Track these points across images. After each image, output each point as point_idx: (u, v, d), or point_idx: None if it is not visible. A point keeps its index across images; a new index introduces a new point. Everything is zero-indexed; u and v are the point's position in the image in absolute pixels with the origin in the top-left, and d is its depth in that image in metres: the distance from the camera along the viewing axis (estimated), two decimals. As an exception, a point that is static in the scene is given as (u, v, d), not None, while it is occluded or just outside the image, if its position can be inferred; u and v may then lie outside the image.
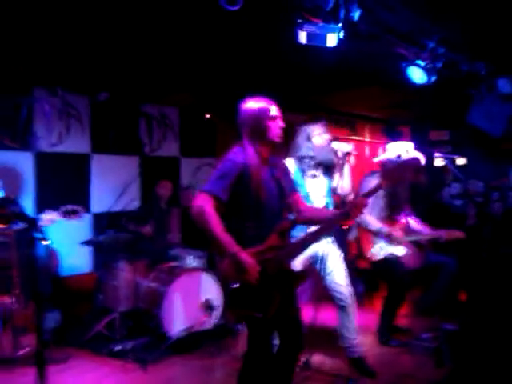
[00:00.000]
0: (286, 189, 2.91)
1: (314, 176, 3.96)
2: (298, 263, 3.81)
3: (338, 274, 3.91)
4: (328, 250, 3.94)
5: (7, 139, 5.06)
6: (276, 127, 2.83)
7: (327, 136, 3.93)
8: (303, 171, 3.95)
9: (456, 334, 4.15)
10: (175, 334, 4.60)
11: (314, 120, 4.06)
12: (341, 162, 3.83)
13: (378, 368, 4.09)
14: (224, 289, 2.76)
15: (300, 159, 3.96)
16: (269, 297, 2.69)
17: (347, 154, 3.82)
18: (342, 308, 3.94)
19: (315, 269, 3.99)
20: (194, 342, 4.64)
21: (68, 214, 4.10)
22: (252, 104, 2.85)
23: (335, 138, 3.92)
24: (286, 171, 3.00)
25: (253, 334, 2.80)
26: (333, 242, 3.99)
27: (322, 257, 3.92)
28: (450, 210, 6.57)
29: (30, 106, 5.21)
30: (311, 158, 3.91)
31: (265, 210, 2.77)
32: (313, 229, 2.89)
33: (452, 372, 3.96)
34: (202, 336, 4.71)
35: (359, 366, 3.99)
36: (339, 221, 2.73)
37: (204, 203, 2.63)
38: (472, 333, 4.01)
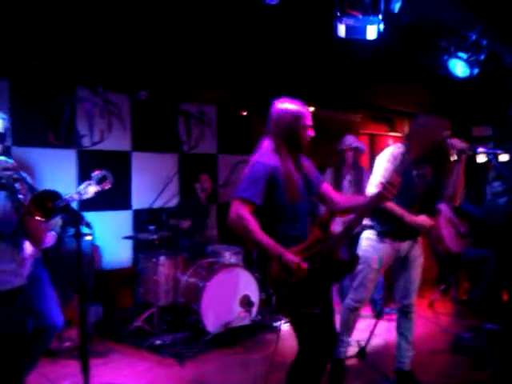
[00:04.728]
0: (314, 183, 2.90)
1: None
2: (376, 259, 3.55)
3: (413, 278, 3.69)
4: (411, 251, 3.65)
5: (51, 137, 5.21)
6: (307, 135, 2.82)
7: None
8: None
9: (498, 334, 4.03)
10: (213, 329, 4.64)
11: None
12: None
13: (415, 368, 4.00)
14: (275, 291, 2.70)
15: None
16: (322, 291, 2.70)
17: (461, 152, 3.23)
18: (405, 315, 3.76)
19: (391, 267, 3.74)
20: (232, 338, 4.67)
21: (100, 182, 4.16)
22: (288, 107, 2.80)
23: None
24: (310, 165, 2.96)
25: (310, 331, 2.73)
26: (417, 243, 3.68)
27: (404, 257, 3.65)
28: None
29: (72, 105, 5.35)
30: None
31: (296, 209, 2.76)
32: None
33: (494, 373, 3.86)
34: (240, 332, 4.75)
35: (407, 381, 3.76)
36: (376, 203, 2.69)
37: (240, 210, 2.62)
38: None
